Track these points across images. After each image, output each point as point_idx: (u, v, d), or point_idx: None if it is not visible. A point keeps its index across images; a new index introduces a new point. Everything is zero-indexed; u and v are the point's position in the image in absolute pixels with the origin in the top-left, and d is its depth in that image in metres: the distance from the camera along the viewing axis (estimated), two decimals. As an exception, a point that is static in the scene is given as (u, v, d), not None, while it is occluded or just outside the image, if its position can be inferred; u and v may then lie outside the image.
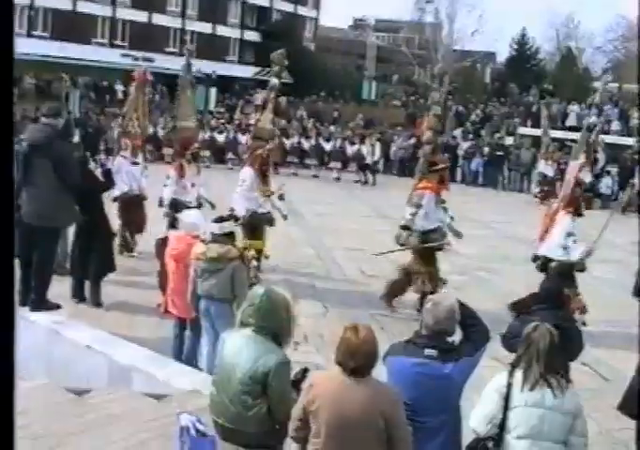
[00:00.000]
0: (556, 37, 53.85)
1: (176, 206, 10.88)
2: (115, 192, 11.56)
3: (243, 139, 25.56)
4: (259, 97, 29.88)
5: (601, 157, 24.68)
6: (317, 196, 21.91)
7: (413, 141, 29.65)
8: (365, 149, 26.72)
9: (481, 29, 46.74)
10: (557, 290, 5.90)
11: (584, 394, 5.29)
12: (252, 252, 9.33)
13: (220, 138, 27.72)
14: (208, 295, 6.65)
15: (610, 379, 8.21)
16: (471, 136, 29.55)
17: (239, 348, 4.31)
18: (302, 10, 55.16)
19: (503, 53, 52.22)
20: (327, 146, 27.54)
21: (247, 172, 10.89)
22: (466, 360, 4.48)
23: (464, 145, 28.39)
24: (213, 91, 33.66)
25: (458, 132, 30.67)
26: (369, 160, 26.55)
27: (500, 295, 11.35)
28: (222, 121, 29.68)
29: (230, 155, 27.09)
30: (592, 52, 54.24)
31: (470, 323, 4.66)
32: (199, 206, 10.97)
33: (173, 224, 10.12)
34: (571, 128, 31.43)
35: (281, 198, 11.11)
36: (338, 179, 26.36)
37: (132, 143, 12.20)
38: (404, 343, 4.62)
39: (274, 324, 4.34)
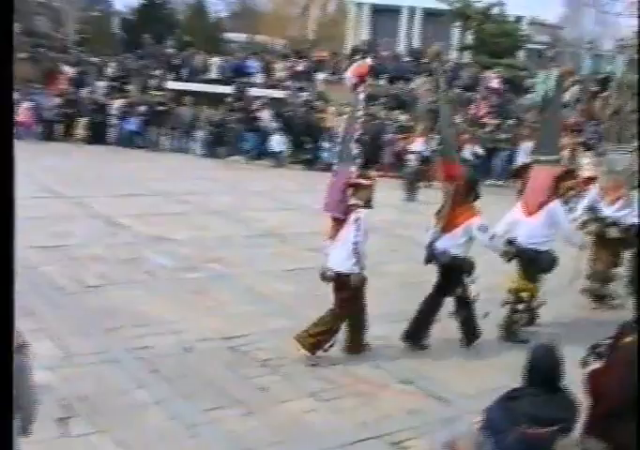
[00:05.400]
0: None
1: None
2: None
3: None
4: None
5: (265, 114, 24.00)
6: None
7: (58, 100, 26.68)
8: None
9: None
10: None
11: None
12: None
13: None
14: None
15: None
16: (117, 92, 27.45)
17: None
18: None
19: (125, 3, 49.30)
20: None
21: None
22: None
23: (116, 103, 26.10)
24: None
25: (101, 86, 28.40)
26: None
27: (247, 295, 9.51)
28: None
29: None
30: (214, 3, 53.64)
31: None
32: None
33: None
34: (213, 81, 30.17)
35: None
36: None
37: None
38: None
39: None
